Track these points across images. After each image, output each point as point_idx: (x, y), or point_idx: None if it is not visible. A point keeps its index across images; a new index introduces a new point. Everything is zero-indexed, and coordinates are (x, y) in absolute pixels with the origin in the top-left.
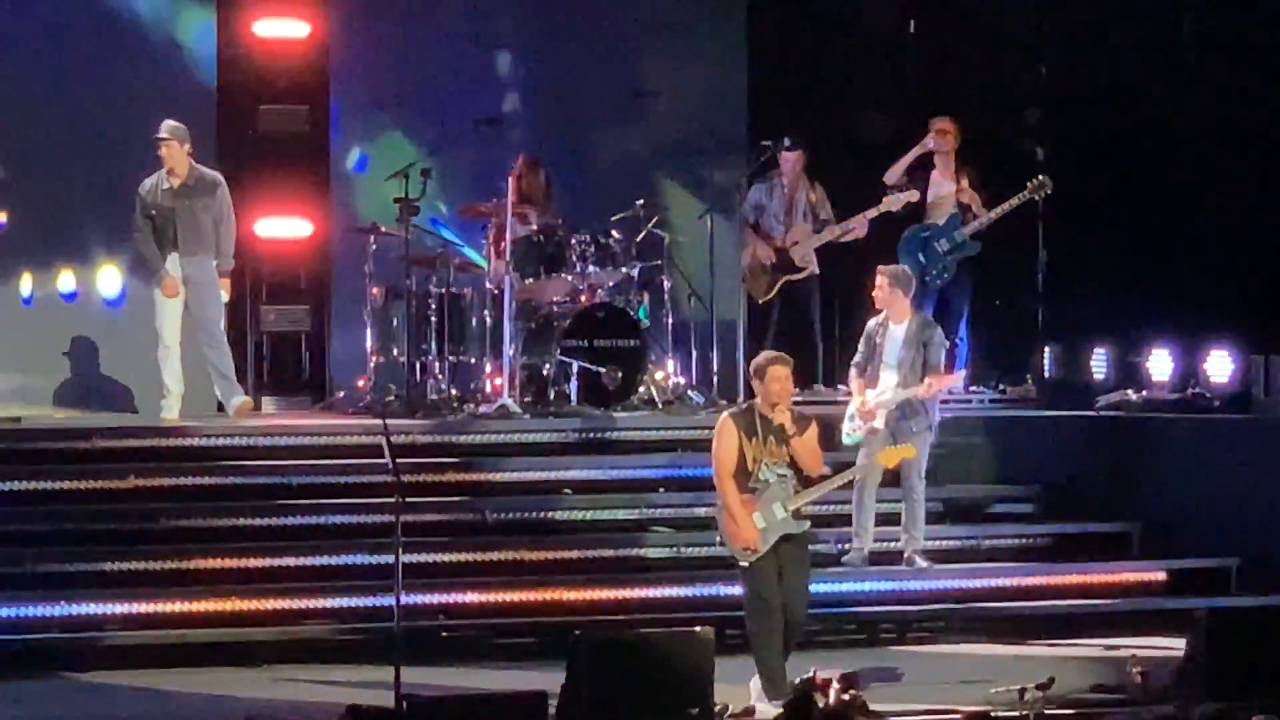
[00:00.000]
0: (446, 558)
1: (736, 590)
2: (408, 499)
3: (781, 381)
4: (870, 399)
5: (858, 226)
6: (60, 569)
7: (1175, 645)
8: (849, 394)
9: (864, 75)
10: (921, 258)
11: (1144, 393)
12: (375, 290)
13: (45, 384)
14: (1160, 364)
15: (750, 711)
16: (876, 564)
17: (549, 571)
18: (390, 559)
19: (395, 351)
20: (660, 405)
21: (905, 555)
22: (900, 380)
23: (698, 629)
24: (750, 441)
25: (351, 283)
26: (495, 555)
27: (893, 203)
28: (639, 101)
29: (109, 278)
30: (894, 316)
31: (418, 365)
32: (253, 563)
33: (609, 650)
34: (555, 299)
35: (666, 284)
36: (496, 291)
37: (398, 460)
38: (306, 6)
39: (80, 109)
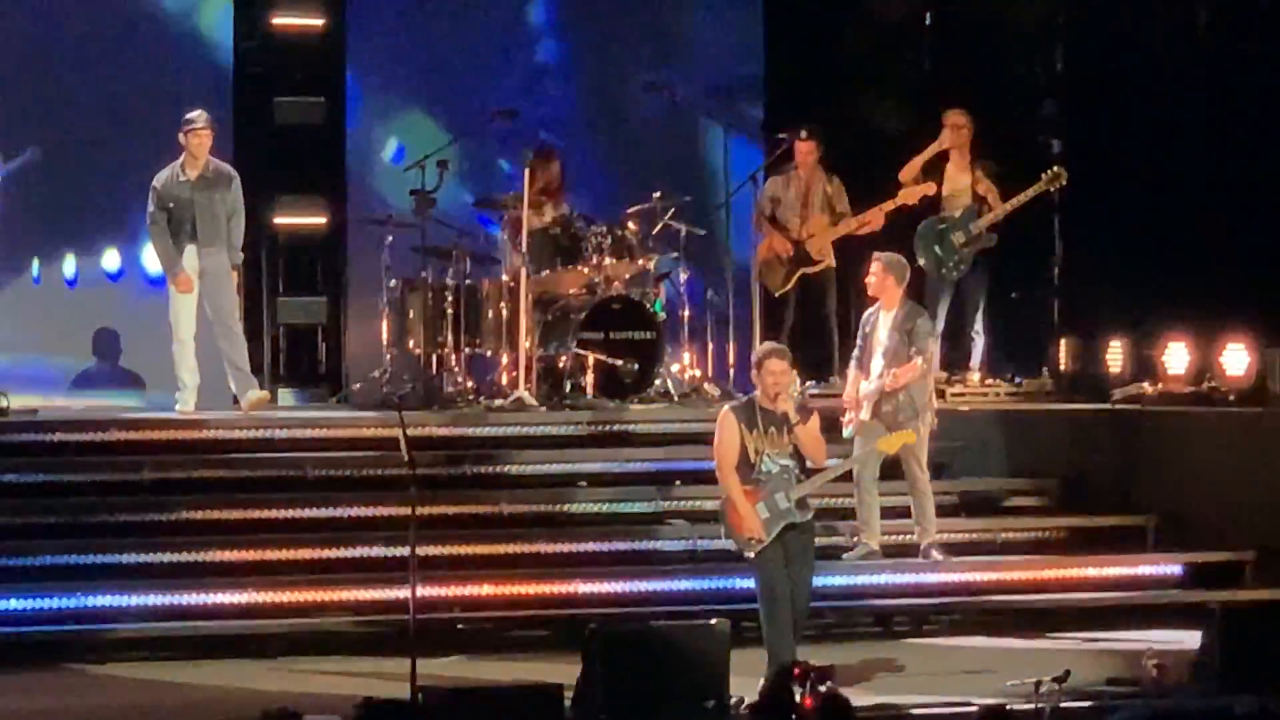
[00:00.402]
0: (462, 550)
1: (751, 584)
2: (423, 491)
3: (777, 374)
4: (862, 390)
5: (874, 219)
6: (75, 561)
7: (1190, 638)
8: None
9: (880, 66)
10: (938, 250)
11: (1159, 386)
12: (391, 282)
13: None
14: (1176, 357)
15: None
16: (890, 557)
17: (564, 564)
18: (405, 551)
19: (411, 344)
20: (676, 398)
21: (921, 548)
22: (886, 368)
23: (713, 621)
24: (751, 434)
25: (368, 275)
26: (511, 548)
27: (909, 195)
28: (654, 93)
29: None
30: (885, 304)
31: (434, 358)
32: (268, 555)
33: (624, 643)
34: (571, 291)
35: (683, 276)
36: (512, 284)
37: (414, 453)
38: None
39: (100, 100)
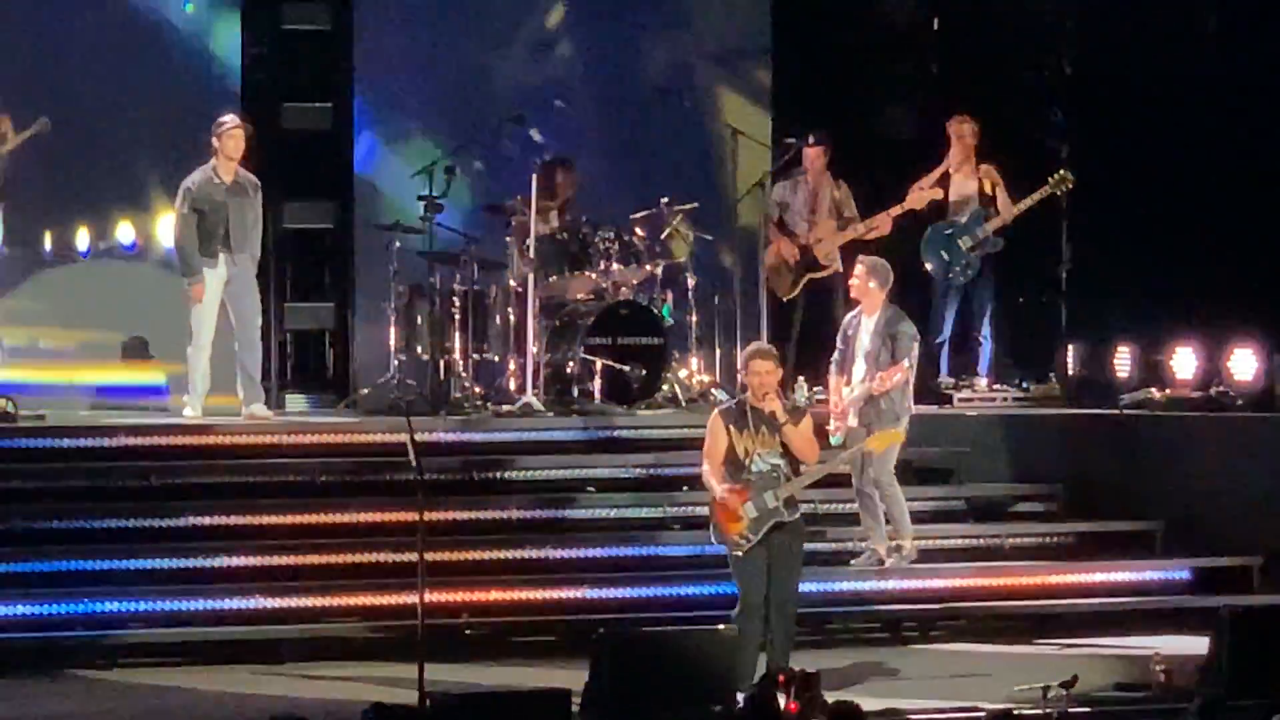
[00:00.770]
0: (470, 555)
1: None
2: (431, 497)
3: (762, 375)
4: (845, 397)
5: (882, 224)
6: (82, 567)
7: (1199, 644)
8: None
9: (888, 72)
10: (945, 255)
11: (1167, 391)
12: (399, 288)
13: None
14: (1184, 362)
15: None
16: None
17: (572, 569)
18: (414, 556)
19: (419, 349)
20: (684, 403)
21: (873, 551)
22: (868, 372)
23: (721, 627)
24: (742, 434)
25: (375, 280)
26: (518, 553)
27: (916, 200)
28: (662, 98)
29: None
30: (866, 309)
31: (441, 363)
32: (276, 560)
33: (632, 648)
34: (579, 297)
35: (690, 282)
36: (520, 289)
37: (421, 458)
38: (330, 2)
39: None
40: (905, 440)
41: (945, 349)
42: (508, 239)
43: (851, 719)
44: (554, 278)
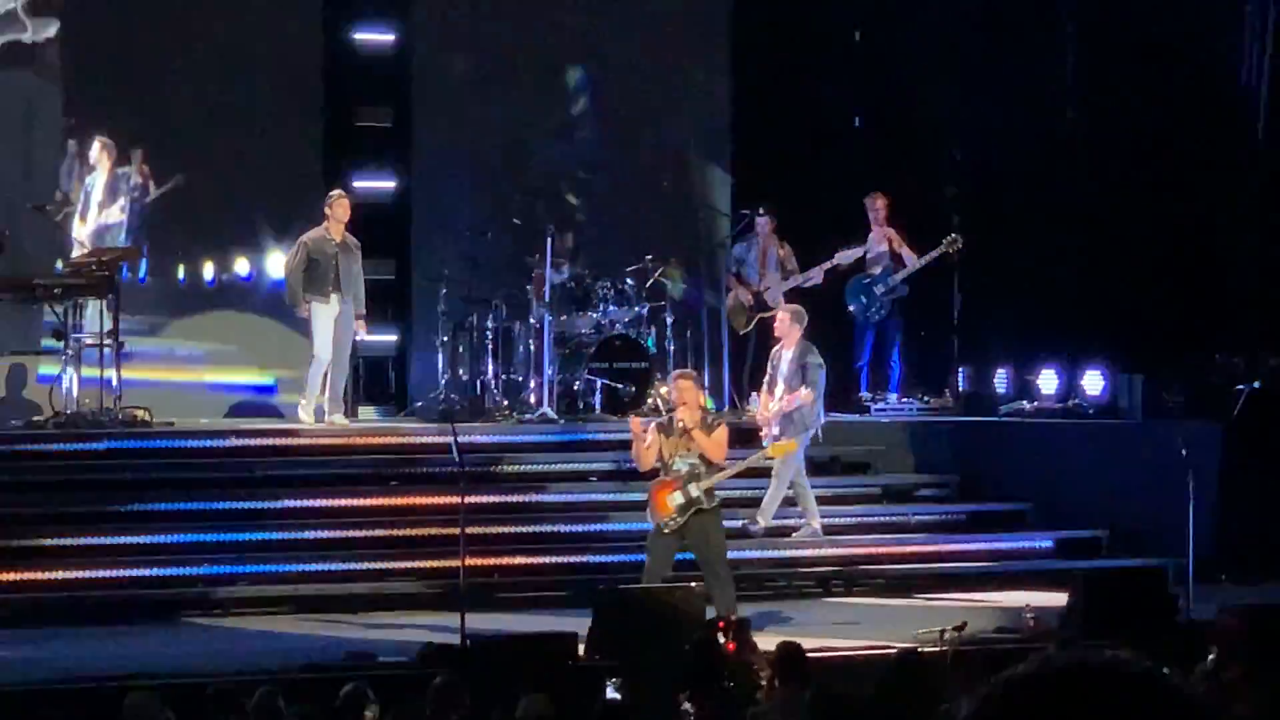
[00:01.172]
0: (500, 530)
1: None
2: (470, 484)
3: (681, 391)
4: (771, 410)
5: (815, 276)
6: (202, 539)
7: (1059, 597)
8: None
9: (820, 160)
10: (864, 299)
11: (1035, 403)
12: (446, 324)
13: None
14: (1048, 381)
15: None
16: (829, 534)
17: (579, 540)
18: (456, 530)
19: (461, 371)
20: (664, 413)
21: (755, 522)
22: (784, 393)
23: (693, 584)
24: (668, 440)
25: (427, 319)
26: (537, 528)
27: (842, 258)
28: (652, 182)
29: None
30: (786, 343)
31: (478, 382)
32: (351, 534)
33: (624, 600)
34: (583, 331)
35: (668, 320)
36: (538, 326)
37: (463, 454)
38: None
39: (235, 163)
40: (822, 440)
41: (864, 371)
42: (528, 287)
43: (794, 655)
44: (564, 316)
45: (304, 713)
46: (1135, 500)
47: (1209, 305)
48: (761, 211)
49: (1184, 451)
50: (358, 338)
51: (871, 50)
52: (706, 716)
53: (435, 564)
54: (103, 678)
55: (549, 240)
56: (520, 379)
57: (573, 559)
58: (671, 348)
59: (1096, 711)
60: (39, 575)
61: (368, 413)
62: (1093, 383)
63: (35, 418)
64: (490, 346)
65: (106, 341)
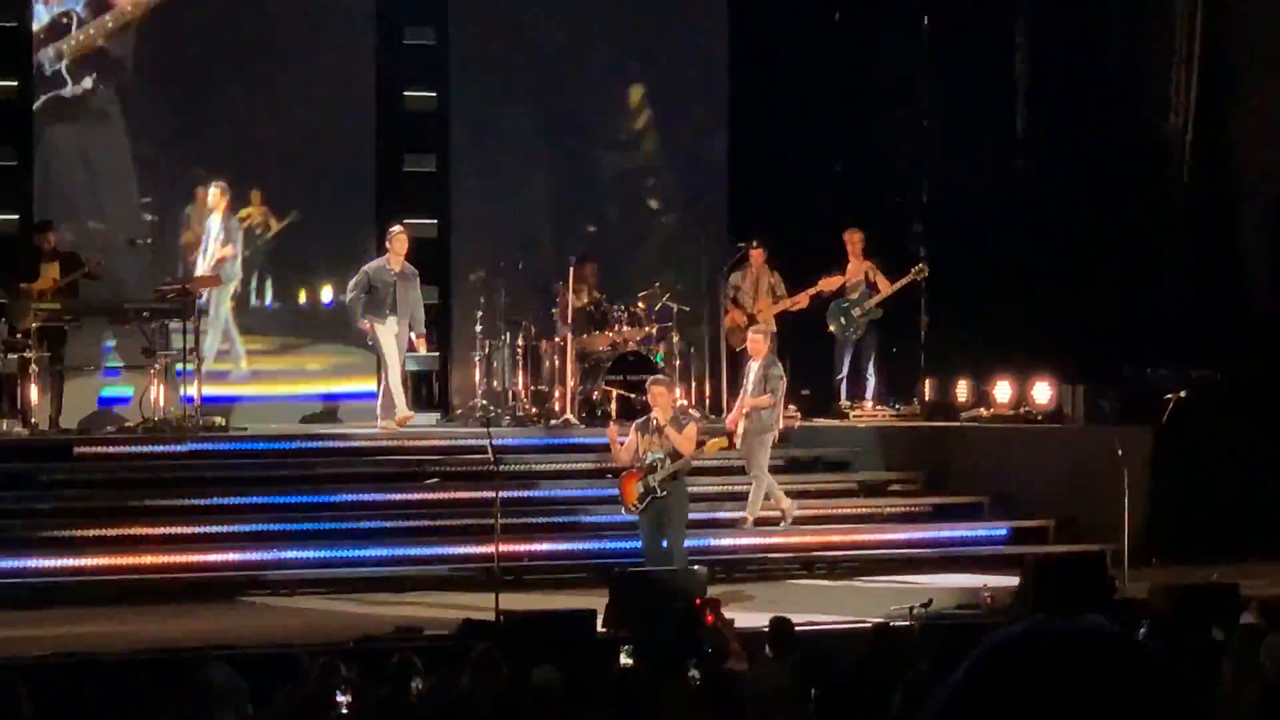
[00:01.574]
0: (529, 520)
1: (725, 541)
2: (503, 480)
3: (656, 395)
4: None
5: (801, 300)
6: (269, 529)
7: (1013, 579)
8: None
9: (805, 197)
10: (843, 320)
11: (991, 410)
12: (482, 343)
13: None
14: (1002, 390)
15: None
16: (808, 523)
17: (597, 529)
18: (491, 520)
19: (495, 383)
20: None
21: (745, 518)
22: (750, 399)
23: (695, 568)
24: (644, 437)
25: (466, 338)
26: (561, 519)
27: (824, 285)
28: (658, 219)
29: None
30: (755, 357)
31: (510, 392)
32: (399, 523)
33: (635, 581)
34: (601, 349)
35: (675, 339)
36: (561, 344)
37: (497, 454)
38: (437, 151)
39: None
40: (789, 440)
41: (844, 383)
42: (553, 310)
43: (784, 628)
44: (584, 336)
45: (360, 678)
46: (1077, 494)
47: (1142, 324)
48: (754, 244)
49: (1119, 452)
50: (416, 353)
51: (852, 104)
52: (710, 682)
53: (473, 550)
54: (182, 648)
55: (570, 269)
56: (546, 389)
57: (591, 545)
58: (677, 362)
59: (1080, 669)
60: (128, 560)
61: (418, 418)
62: (1041, 392)
63: (126, 424)
64: (520, 361)
65: (189, 358)
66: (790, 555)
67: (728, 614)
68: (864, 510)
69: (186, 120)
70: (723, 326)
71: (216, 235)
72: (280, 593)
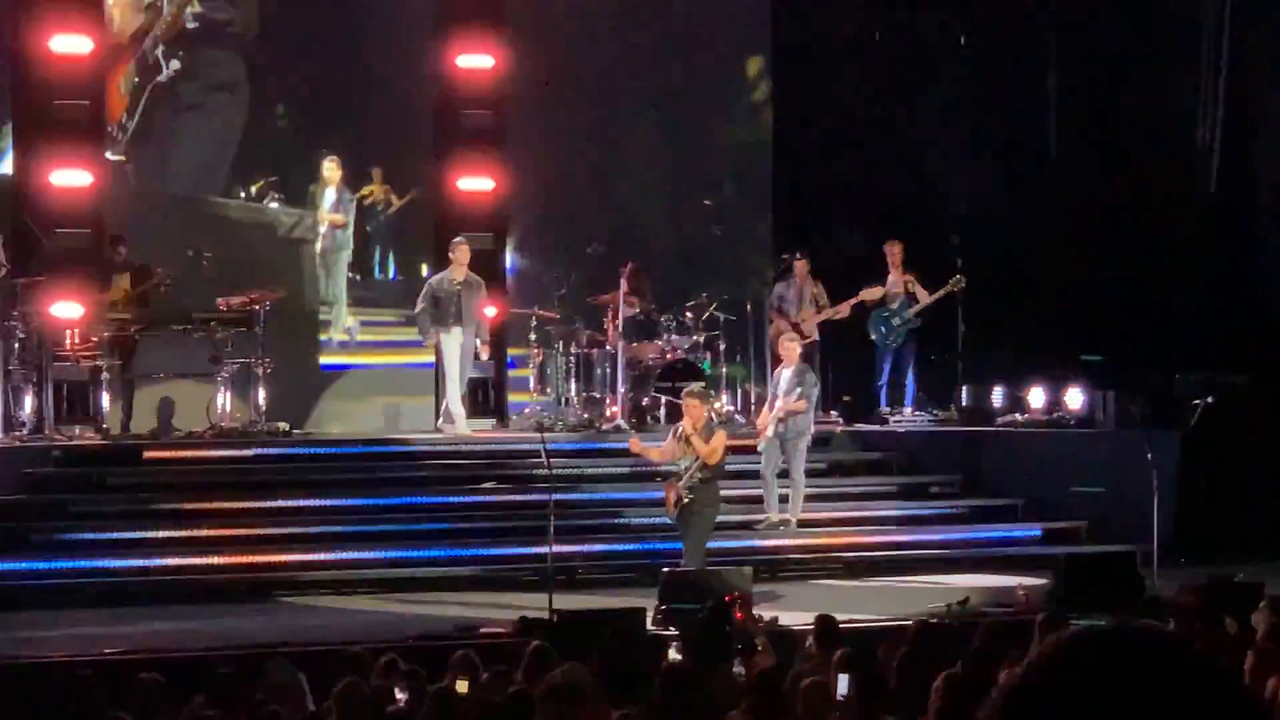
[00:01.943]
0: (581, 521)
1: (768, 541)
2: (557, 483)
3: (689, 407)
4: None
5: (843, 310)
6: (329, 530)
7: (1045, 577)
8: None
9: (848, 209)
10: (884, 329)
11: (1026, 415)
12: (536, 351)
13: None
14: (1036, 397)
15: None
16: (850, 525)
17: (648, 530)
18: (545, 522)
19: (548, 390)
20: (716, 424)
21: (783, 523)
22: (783, 404)
23: (743, 568)
24: (678, 445)
25: (522, 345)
26: (613, 520)
27: (865, 295)
28: (707, 234)
29: None
30: (787, 364)
31: (563, 399)
32: (456, 525)
33: (684, 580)
34: (650, 357)
35: (721, 346)
36: (613, 352)
37: (551, 459)
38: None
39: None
40: (825, 444)
41: (884, 389)
42: (605, 320)
43: (830, 624)
44: (635, 344)
45: (417, 673)
46: (1109, 496)
47: (1171, 333)
48: (799, 256)
49: (1149, 455)
50: (479, 359)
51: (891, 121)
52: (754, 677)
53: (527, 551)
54: (246, 646)
55: (622, 279)
56: (598, 396)
57: (641, 546)
58: (723, 370)
59: (1137, 671)
60: (195, 561)
61: (473, 424)
62: (1073, 398)
63: (194, 429)
64: (573, 369)
65: (255, 366)
66: (832, 555)
67: (770, 612)
68: (904, 511)
69: (312, 99)
70: (767, 335)
71: (330, 205)
72: (342, 592)
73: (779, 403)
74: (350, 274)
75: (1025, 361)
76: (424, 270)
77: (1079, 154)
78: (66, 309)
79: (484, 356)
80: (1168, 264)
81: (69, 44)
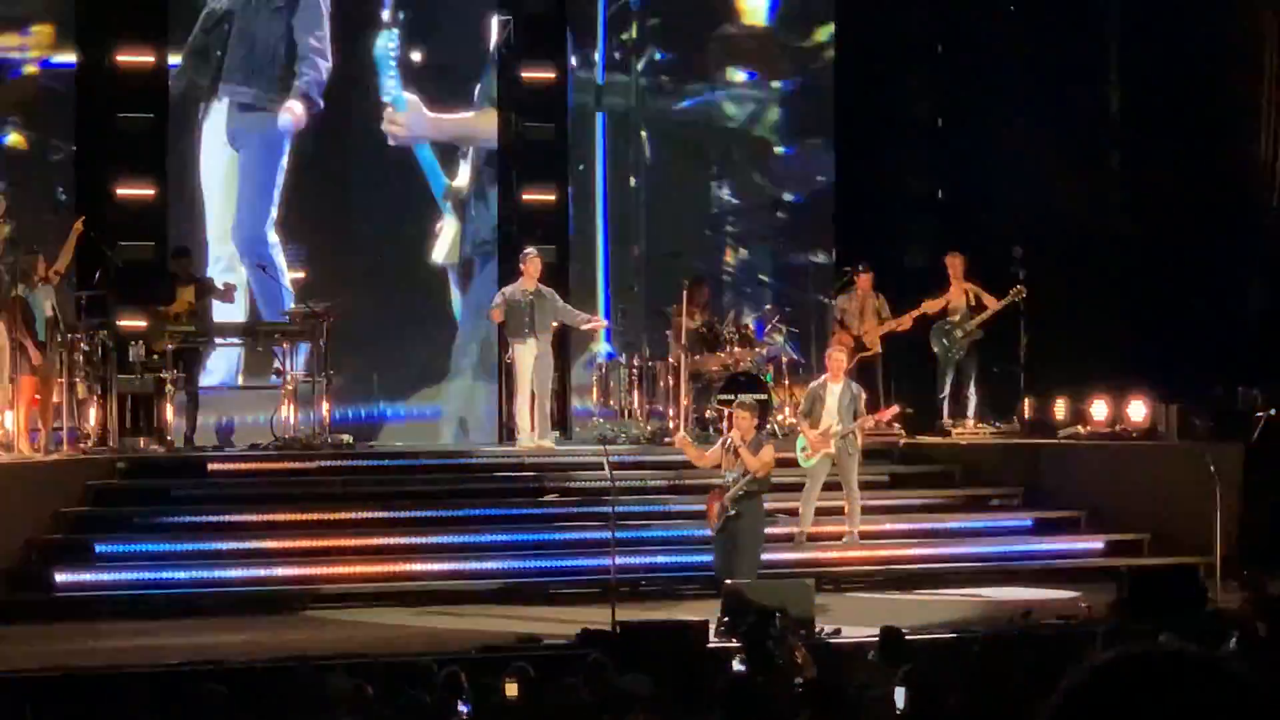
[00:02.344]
0: (645, 534)
1: (830, 554)
2: (619, 495)
3: (735, 417)
4: (833, 432)
5: (905, 322)
6: (400, 542)
7: (1109, 589)
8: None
9: (907, 226)
10: (946, 341)
11: (1088, 428)
12: (600, 365)
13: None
14: (1098, 409)
15: None
16: (912, 537)
17: (710, 543)
18: (608, 534)
19: (611, 402)
20: (779, 436)
21: (846, 535)
22: (840, 418)
23: (804, 580)
24: (725, 456)
25: (584, 357)
26: (676, 532)
27: (927, 307)
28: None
29: None
30: (833, 378)
31: (626, 412)
32: (518, 536)
33: (747, 593)
34: (713, 369)
35: (784, 359)
36: (675, 365)
37: (614, 470)
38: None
39: None
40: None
41: (946, 401)
42: (668, 333)
43: (895, 638)
44: (697, 357)
45: (479, 685)
46: (1171, 509)
47: (1233, 345)
48: (861, 269)
49: (1212, 468)
50: (601, 325)
51: (952, 134)
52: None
53: (591, 563)
54: (309, 657)
55: (684, 292)
56: (661, 408)
57: (705, 558)
58: (786, 382)
59: (1167, 692)
60: (258, 572)
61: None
62: (1136, 410)
63: (258, 441)
64: (636, 383)
65: (319, 377)
66: (894, 568)
67: (832, 624)
68: (968, 525)
69: None
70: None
71: None
72: (405, 605)
73: (828, 418)
74: None
75: (1087, 373)
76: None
77: (1142, 167)
78: (131, 321)
79: (599, 326)
80: (1230, 274)
81: (132, 56)
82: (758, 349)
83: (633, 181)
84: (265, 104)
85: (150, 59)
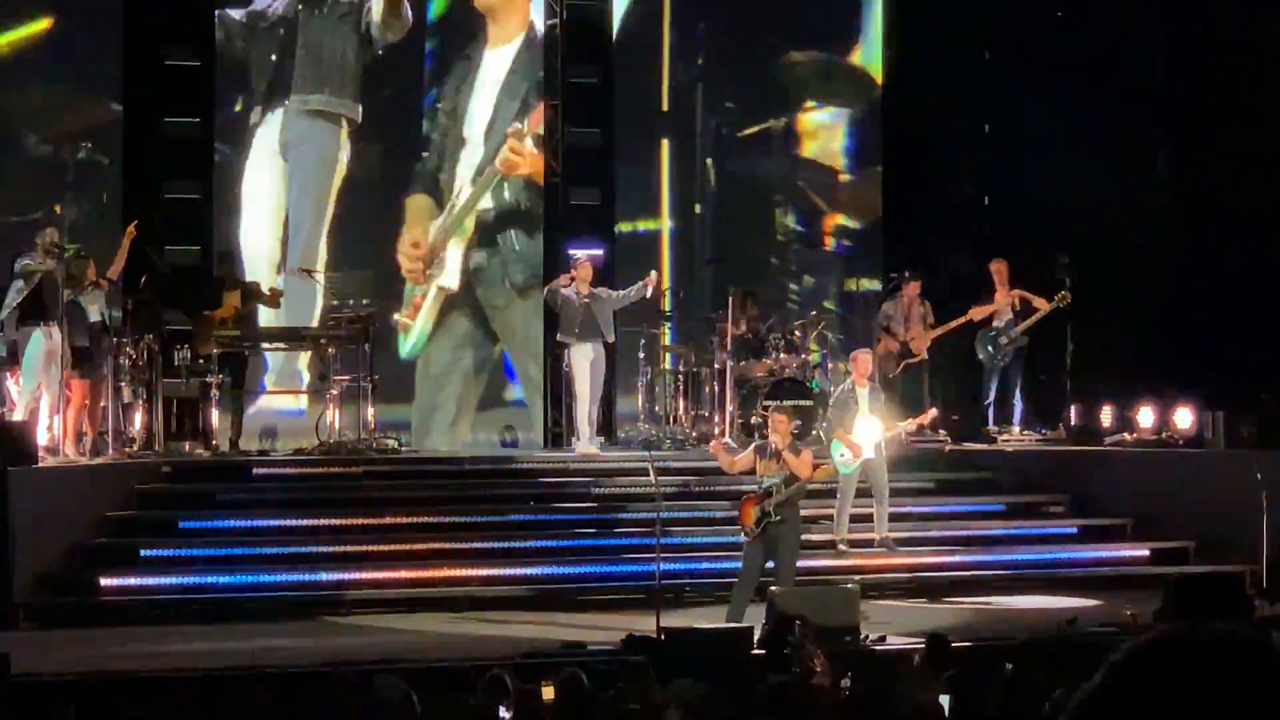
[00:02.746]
0: (688, 540)
1: (874, 560)
2: (665, 501)
3: (776, 423)
4: (882, 436)
5: (951, 328)
6: (444, 548)
7: (1155, 597)
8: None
9: (952, 234)
10: (991, 348)
11: (1135, 435)
12: (644, 370)
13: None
14: (1145, 417)
15: None
16: (958, 544)
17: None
18: (653, 540)
19: (656, 408)
20: (824, 440)
21: (878, 539)
22: (879, 420)
23: (848, 585)
24: (762, 461)
25: (629, 366)
26: (719, 539)
27: (973, 314)
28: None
29: None
30: (859, 381)
31: (671, 417)
32: (561, 542)
33: (792, 598)
34: (759, 375)
35: (830, 365)
36: (721, 370)
37: (659, 476)
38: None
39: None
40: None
41: (991, 408)
42: (713, 339)
43: (941, 645)
44: (743, 363)
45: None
46: (1218, 516)
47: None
48: (907, 276)
49: (1258, 475)
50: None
51: (997, 142)
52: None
53: (634, 569)
54: (352, 662)
55: (730, 299)
56: (706, 414)
57: None
58: (832, 388)
59: (1214, 671)
60: (303, 577)
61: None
62: (1182, 418)
63: (302, 445)
64: (681, 388)
65: (363, 382)
66: (938, 575)
67: (877, 630)
68: (1015, 531)
69: None
70: (875, 354)
71: None
72: (450, 609)
73: (865, 420)
74: None
75: (1134, 381)
76: None
77: (1189, 172)
78: (177, 325)
79: (650, 285)
80: (1277, 284)
81: (179, 60)
82: (803, 355)
83: (698, 208)
84: (321, 111)
85: (196, 61)
